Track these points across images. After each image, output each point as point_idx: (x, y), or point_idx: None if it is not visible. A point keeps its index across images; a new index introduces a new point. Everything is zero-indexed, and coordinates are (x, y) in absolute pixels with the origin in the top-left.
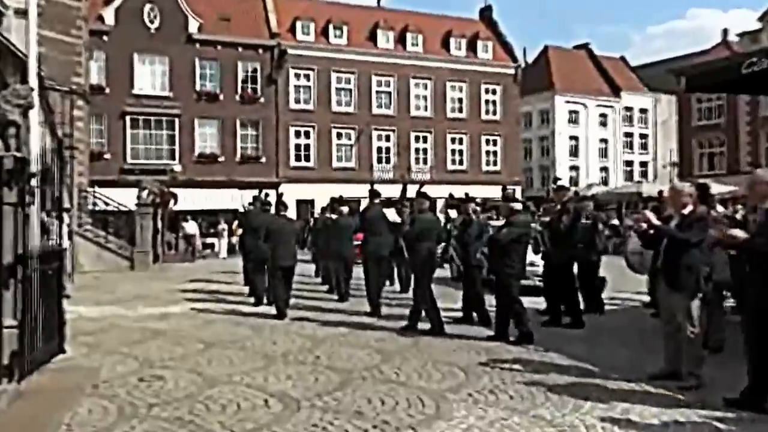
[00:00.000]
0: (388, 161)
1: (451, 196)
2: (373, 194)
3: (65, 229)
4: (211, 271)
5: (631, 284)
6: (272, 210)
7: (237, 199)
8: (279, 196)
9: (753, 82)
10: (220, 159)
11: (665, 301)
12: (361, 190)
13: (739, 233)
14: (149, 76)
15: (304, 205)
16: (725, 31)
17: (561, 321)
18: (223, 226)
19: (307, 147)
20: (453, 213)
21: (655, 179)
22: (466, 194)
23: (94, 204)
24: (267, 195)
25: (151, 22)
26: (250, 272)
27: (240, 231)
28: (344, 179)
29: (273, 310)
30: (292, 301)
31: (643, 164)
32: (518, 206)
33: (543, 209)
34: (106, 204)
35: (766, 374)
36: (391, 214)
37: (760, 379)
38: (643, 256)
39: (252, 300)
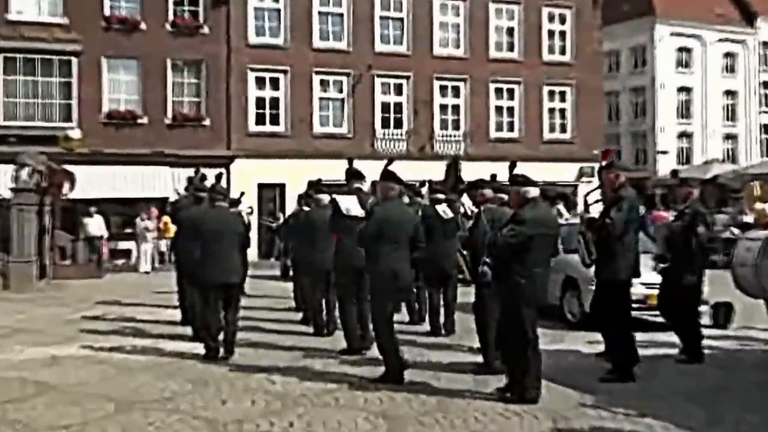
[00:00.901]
0: (398, 125)
1: (429, 183)
2: (353, 175)
3: None
4: (128, 291)
5: (753, 313)
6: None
7: (167, 183)
8: (218, 177)
9: None
10: (141, 121)
11: None
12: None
13: None
14: None
15: (270, 190)
16: None
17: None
18: (146, 224)
19: (274, 103)
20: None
21: None
22: (493, 176)
23: None
24: (204, 176)
25: None
26: (186, 293)
27: (172, 231)
28: (331, 153)
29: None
30: (253, 337)
31: None
32: (532, 192)
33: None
34: None
35: None
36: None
37: None
38: (758, 269)
39: (189, 334)
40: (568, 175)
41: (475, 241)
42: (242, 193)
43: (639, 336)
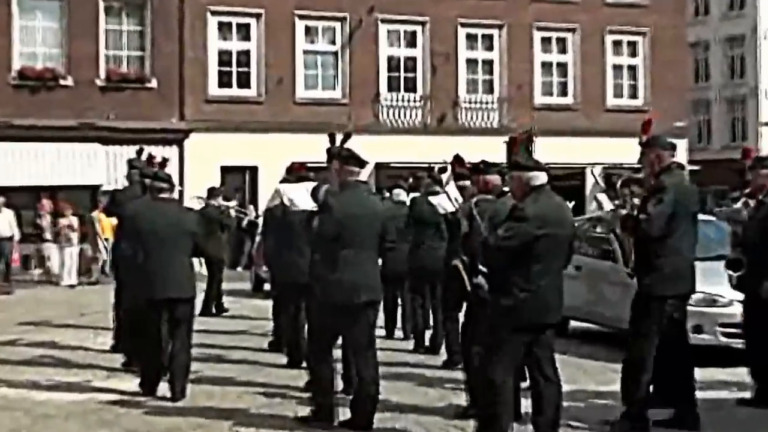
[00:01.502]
0: (412, 87)
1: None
2: (335, 155)
3: None
4: (48, 311)
5: None
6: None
7: (100, 165)
8: (163, 162)
9: None
10: (64, 82)
11: None
12: (354, 146)
13: None
14: None
15: (237, 175)
16: None
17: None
18: (69, 220)
19: (243, 57)
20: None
21: None
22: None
23: None
24: (150, 157)
25: None
26: (126, 314)
27: (109, 231)
28: (320, 125)
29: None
30: (212, 372)
31: None
32: (539, 178)
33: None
34: None
35: None
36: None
37: None
38: None
39: (131, 369)
40: (630, 154)
41: (471, 244)
42: (150, 155)
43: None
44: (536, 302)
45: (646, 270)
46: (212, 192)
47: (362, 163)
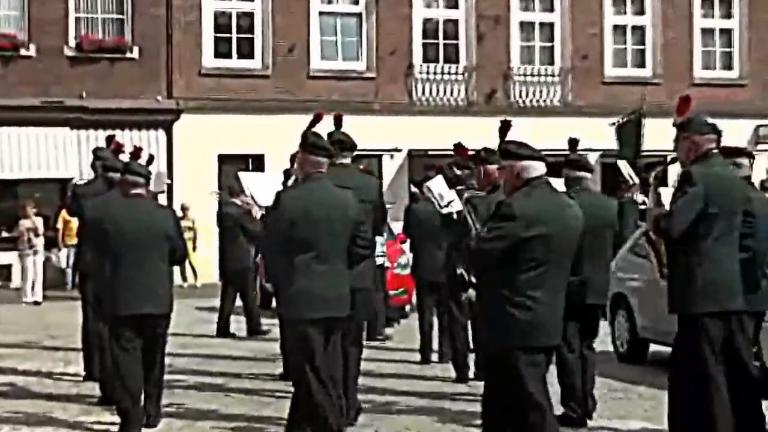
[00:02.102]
0: (452, 58)
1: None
2: (336, 143)
3: None
4: (8, 332)
5: None
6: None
7: (70, 154)
8: (136, 151)
9: None
10: (26, 52)
11: None
12: (382, 129)
13: None
14: None
15: (237, 165)
16: None
17: None
18: (32, 222)
19: (246, 21)
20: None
21: None
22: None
23: None
24: (118, 145)
25: None
26: (91, 333)
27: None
28: (340, 103)
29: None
30: (195, 403)
31: None
32: (534, 169)
33: None
34: None
35: None
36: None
37: None
38: None
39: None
40: (735, 138)
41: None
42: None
43: None
44: (528, 319)
45: (676, 281)
46: (232, 189)
47: (330, 154)
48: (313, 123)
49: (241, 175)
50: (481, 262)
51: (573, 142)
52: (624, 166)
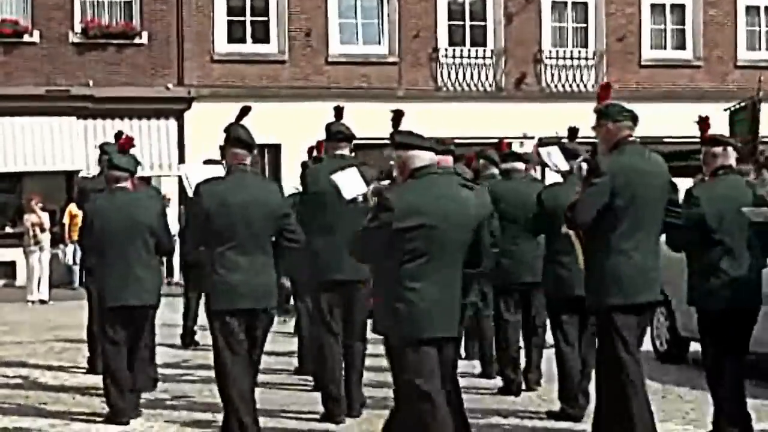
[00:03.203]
0: (479, 41)
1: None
2: (334, 135)
3: None
4: (12, 333)
5: None
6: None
7: (77, 145)
8: (127, 141)
9: None
10: (30, 39)
11: None
12: (406, 116)
13: None
14: None
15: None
16: None
17: None
18: (38, 217)
19: (260, 4)
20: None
21: None
22: (573, 129)
23: None
24: (127, 141)
25: None
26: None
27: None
28: (360, 89)
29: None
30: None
31: None
32: (420, 159)
33: None
34: None
35: None
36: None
37: None
38: None
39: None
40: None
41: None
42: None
43: None
44: (410, 310)
45: (588, 273)
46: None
47: (250, 147)
48: (240, 116)
49: (182, 167)
50: (360, 252)
51: (573, 131)
52: (549, 154)
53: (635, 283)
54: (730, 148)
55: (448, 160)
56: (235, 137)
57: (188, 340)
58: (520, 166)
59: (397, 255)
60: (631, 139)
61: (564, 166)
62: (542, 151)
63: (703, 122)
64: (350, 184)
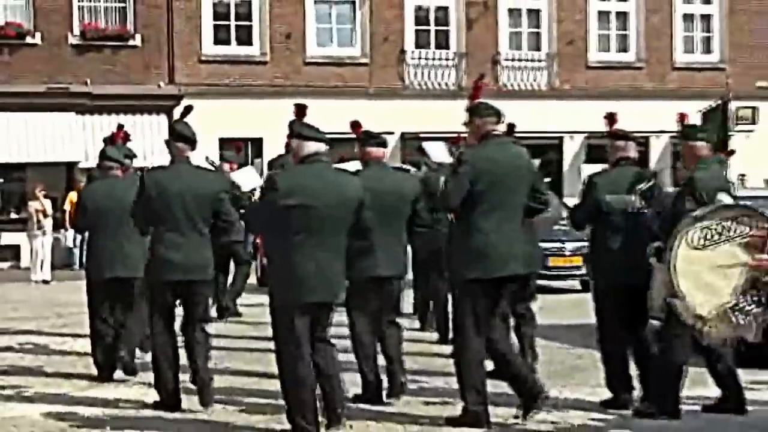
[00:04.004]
0: (443, 44)
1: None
2: (170, 133)
3: None
4: (17, 311)
5: None
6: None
7: (76, 138)
8: (117, 135)
9: None
10: (31, 40)
11: None
12: (376, 113)
13: None
14: None
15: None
16: None
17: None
18: (41, 204)
19: (244, 9)
20: None
21: None
22: (510, 125)
23: None
24: (119, 136)
25: None
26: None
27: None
28: (334, 88)
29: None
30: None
31: None
32: (307, 148)
33: None
34: None
35: None
36: None
37: None
38: None
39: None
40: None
41: None
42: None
43: None
44: (290, 278)
45: (450, 248)
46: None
47: (192, 142)
48: (183, 114)
49: (234, 174)
50: (251, 224)
51: (510, 127)
52: (431, 147)
53: (492, 260)
54: (631, 142)
55: (381, 152)
56: (178, 133)
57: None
58: (378, 151)
59: (282, 229)
60: (495, 132)
61: (445, 159)
62: (426, 145)
63: (611, 117)
64: (248, 179)
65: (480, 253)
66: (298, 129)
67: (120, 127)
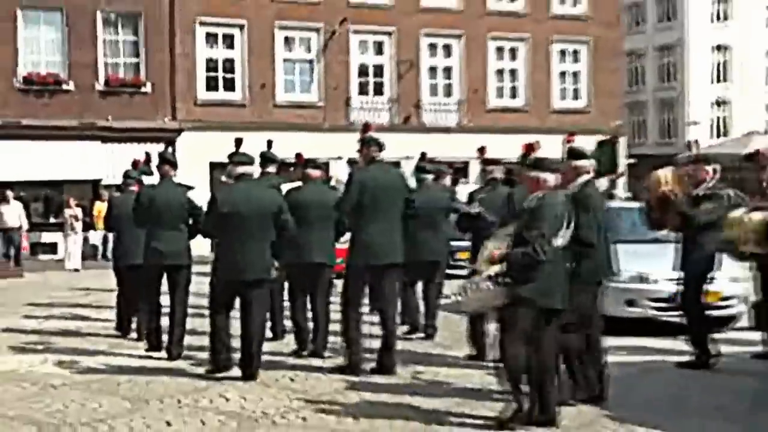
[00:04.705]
0: (379, 92)
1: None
2: (266, 159)
3: None
4: (54, 292)
5: None
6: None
7: (100, 161)
8: (135, 162)
9: None
10: (66, 87)
11: None
12: (328, 143)
13: None
14: None
15: (224, 170)
16: None
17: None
18: (74, 211)
19: (228, 65)
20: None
21: None
22: (481, 149)
23: None
24: (144, 160)
25: None
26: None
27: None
28: (298, 125)
29: (167, 364)
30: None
31: None
32: (238, 170)
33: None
34: None
35: None
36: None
37: None
38: None
39: (127, 342)
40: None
41: None
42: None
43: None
44: (228, 262)
45: (350, 243)
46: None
47: (174, 164)
48: (237, 144)
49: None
50: (205, 231)
51: (423, 155)
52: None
53: (374, 252)
54: (500, 166)
55: (318, 173)
56: (164, 159)
57: None
58: (315, 172)
59: (221, 230)
60: (378, 158)
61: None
62: (338, 171)
63: (482, 150)
64: None
65: (365, 246)
66: (236, 157)
67: (147, 155)
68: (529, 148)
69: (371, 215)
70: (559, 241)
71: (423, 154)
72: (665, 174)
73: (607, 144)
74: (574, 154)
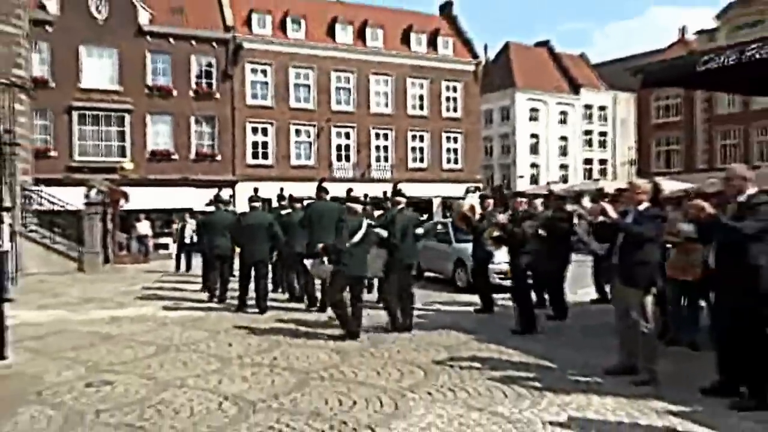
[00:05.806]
0: (348, 159)
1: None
2: (321, 189)
3: (6, 230)
4: (166, 272)
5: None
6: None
7: (189, 198)
8: (216, 197)
9: (708, 78)
10: (174, 157)
11: (620, 297)
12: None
13: (611, 211)
14: (97, 70)
15: (261, 203)
16: (683, 29)
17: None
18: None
19: (264, 144)
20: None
21: (615, 177)
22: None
23: (40, 203)
24: (218, 193)
25: (98, 12)
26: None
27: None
28: (303, 177)
29: (228, 313)
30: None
31: (603, 162)
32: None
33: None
34: (52, 203)
35: (737, 365)
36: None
37: (730, 371)
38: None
39: (206, 299)
40: (457, 191)
41: None
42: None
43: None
44: (246, 253)
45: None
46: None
47: (227, 203)
48: (320, 182)
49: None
50: (234, 238)
51: (349, 191)
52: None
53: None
54: (403, 199)
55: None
56: (217, 199)
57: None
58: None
59: (241, 235)
60: (324, 197)
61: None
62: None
63: (395, 185)
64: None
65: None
66: (250, 199)
67: (220, 189)
68: (395, 187)
69: (317, 232)
70: (355, 239)
71: (349, 191)
72: (469, 203)
73: (473, 191)
74: (397, 191)
